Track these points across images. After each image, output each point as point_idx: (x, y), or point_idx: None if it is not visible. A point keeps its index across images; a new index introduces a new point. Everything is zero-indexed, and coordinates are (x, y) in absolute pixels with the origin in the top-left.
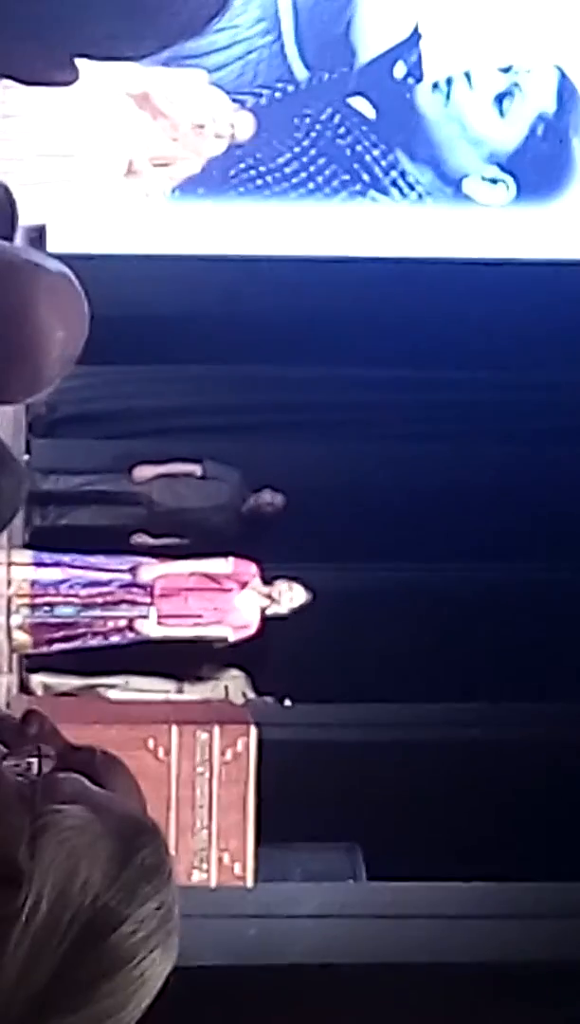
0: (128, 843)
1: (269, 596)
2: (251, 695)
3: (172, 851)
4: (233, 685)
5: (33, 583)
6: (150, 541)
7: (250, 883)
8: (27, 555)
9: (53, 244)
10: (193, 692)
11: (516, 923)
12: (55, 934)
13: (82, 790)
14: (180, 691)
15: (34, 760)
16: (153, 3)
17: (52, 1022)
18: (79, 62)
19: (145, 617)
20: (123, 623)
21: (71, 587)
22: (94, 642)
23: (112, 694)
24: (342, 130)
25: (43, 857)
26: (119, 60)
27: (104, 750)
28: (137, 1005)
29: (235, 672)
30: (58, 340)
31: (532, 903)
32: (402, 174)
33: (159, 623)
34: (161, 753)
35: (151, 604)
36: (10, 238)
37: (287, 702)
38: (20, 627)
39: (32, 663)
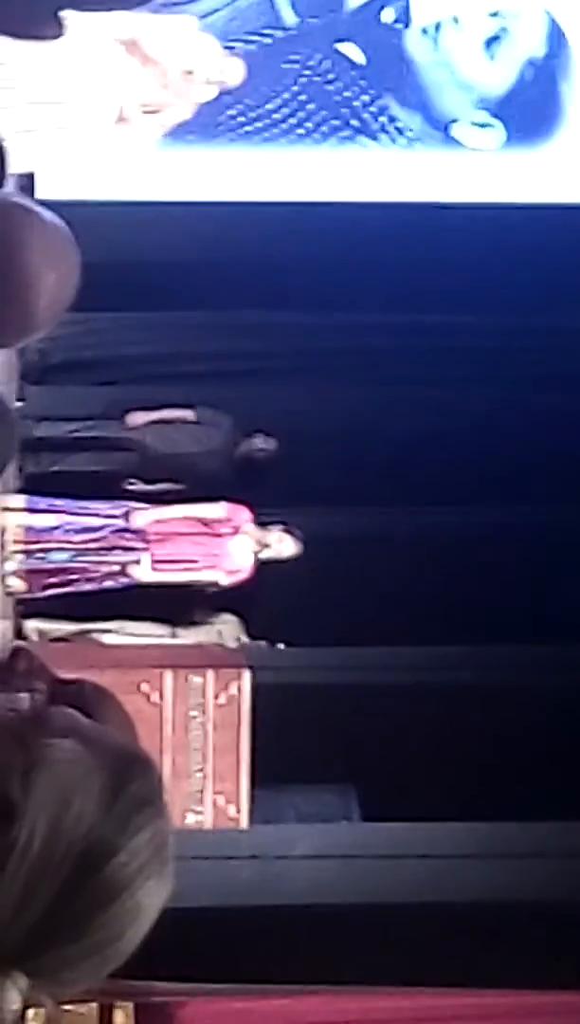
0: (120, 775)
1: (262, 541)
2: (245, 639)
3: (167, 794)
4: (226, 629)
5: (27, 529)
6: (143, 487)
7: (245, 825)
8: (21, 501)
9: (43, 191)
10: (187, 636)
11: (511, 863)
12: (50, 866)
13: (74, 723)
14: (173, 635)
15: (25, 695)
16: None
17: (50, 953)
18: (66, 14)
19: (138, 562)
20: (116, 568)
21: (64, 533)
22: (88, 587)
23: (106, 639)
24: (331, 76)
25: (36, 791)
26: (108, 10)
27: (93, 683)
28: (134, 934)
29: (228, 616)
30: (49, 283)
31: (527, 843)
32: (391, 119)
33: (152, 568)
34: (155, 697)
35: (144, 549)
36: (0, 185)
37: (280, 645)
38: (14, 573)
39: (26, 609)
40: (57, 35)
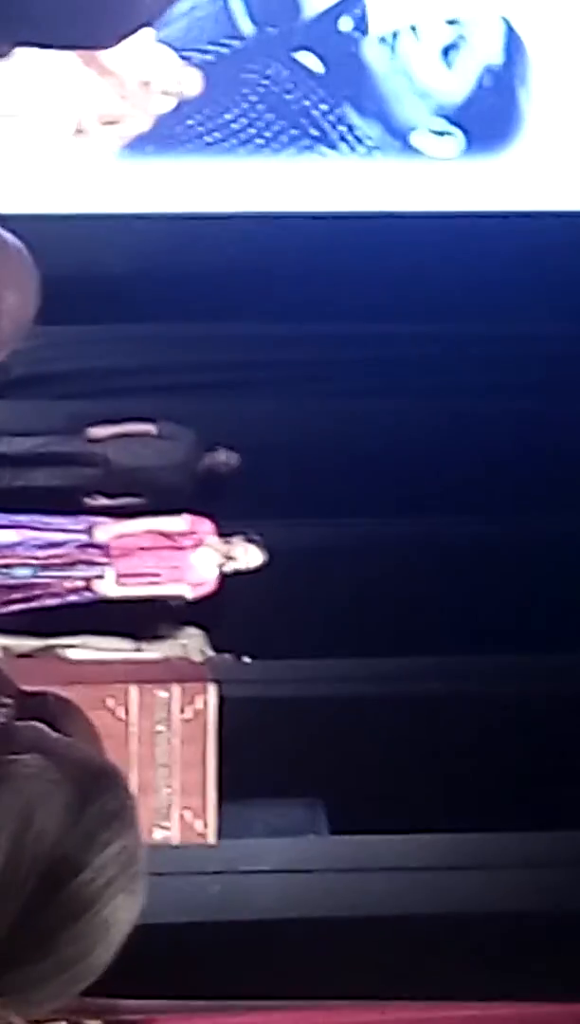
0: (86, 789)
1: (226, 554)
2: (210, 653)
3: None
4: (192, 643)
5: None
6: (106, 501)
7: (212, 840)
8: None
9: (1, 205)
10: (152, 651)
11: (480, 874)
12: (13, 883)
13: (40, 738)
14: (139, 650)
15: None
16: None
17: (16, 971)
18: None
19: (102, 577)
20: (80, 583)
21: (27, 548)
22: (52, 602)
23: (71, 654)
24: (289, 85)
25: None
26: (66, 48)
27: (56, 693)
28: (104, 951)
29: (193, 630)
30: (10, 305)
31: (496, 854)
32: (350, 128)
33: (117, 583)
34: (120, 712)
35: (108, 564)
36: None
37: (246, 659)
38: None
39: None
40: (6, 54)
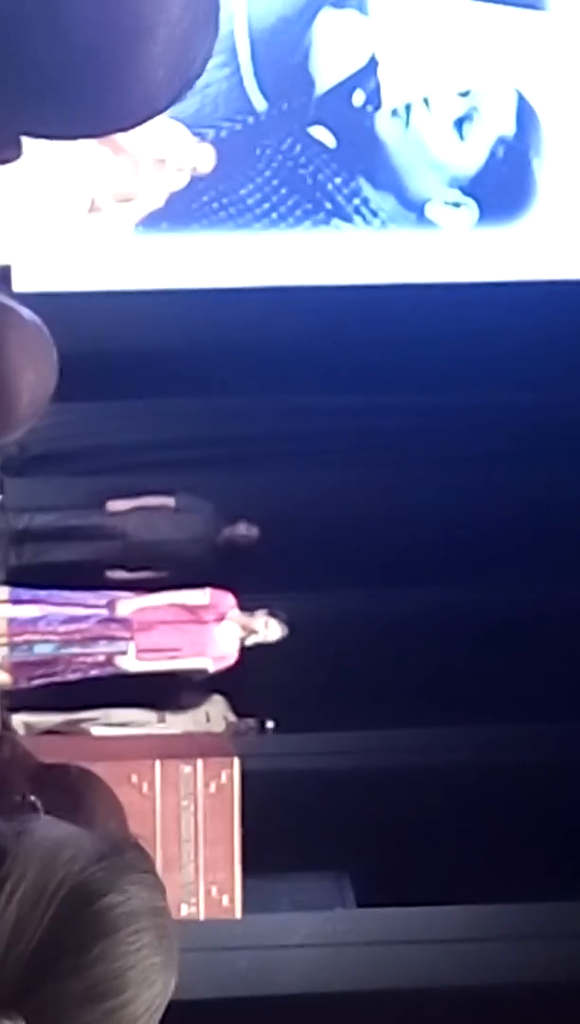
0: (115, 844)
1: (248, 627)
2: (232, 718)
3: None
4: (214, 710)
5: (11, 621)
6: (126, 575)
7: (239, 915)
8: (4, 593)
9: (18, 284)
10: (175, 722)
11: (506, 945)
12: (41, 900)
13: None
14: (162, 721)
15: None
16: (93, 88)
17: (46, 988)
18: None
19: (124, 652)
20: (102, 658)
21: (49, 624)
22: (73, 677)
23: (94, 729)
24: (303, 159)
25: (29, 841)
26: (72, 138)
27: (79, 766)
28: (137, 992)
29: (215, 697)
30: (29, 381)
31: (522, 925)
32: (365, 201)
33: (138, 657)
34: (145, 788)
35: (129, 639)
36: None
37: (270, 723)
38: (0, 666)
39: (12, 701)
40: (18, 156)
